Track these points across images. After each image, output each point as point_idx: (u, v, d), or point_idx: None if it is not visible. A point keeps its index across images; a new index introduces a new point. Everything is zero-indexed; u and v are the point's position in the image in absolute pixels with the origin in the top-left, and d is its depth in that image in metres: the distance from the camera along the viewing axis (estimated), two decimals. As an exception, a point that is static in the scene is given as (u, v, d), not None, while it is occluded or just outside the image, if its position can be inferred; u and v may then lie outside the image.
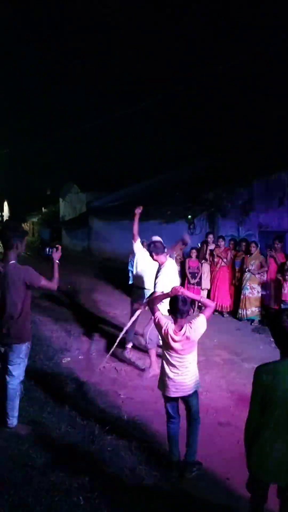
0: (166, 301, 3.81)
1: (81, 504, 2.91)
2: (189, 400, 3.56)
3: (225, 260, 9.00)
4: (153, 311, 3.78)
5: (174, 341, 3.47)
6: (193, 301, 9.38)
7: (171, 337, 3.48)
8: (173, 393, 3.52)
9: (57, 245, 4.09)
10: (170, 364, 3.54)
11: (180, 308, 3.47)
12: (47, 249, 4.06)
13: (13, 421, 3.83)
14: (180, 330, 3.47)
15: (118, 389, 5.12)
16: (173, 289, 3.77)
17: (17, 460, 3.39)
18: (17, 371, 3.81)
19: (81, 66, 55.95)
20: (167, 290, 4.09)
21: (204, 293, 9.10)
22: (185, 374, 3.50)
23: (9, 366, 3.80)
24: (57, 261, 4.01)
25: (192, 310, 9.24)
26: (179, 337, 3.46)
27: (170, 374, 3.52)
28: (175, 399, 3.59)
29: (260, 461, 2.43)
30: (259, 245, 8.74)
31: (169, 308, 3.60)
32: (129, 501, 3.04)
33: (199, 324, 3.49)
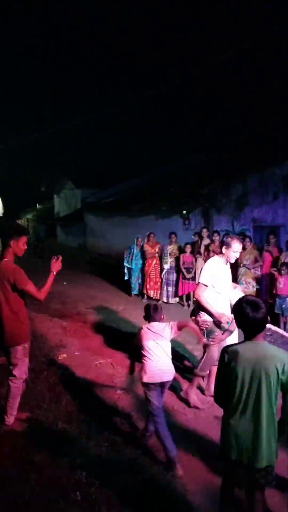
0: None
1: (78, 500, 2.92)
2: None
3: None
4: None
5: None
6: (188, 297, 9.41)
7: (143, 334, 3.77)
8: (147, 379, 3.66)
9: (58, 255, 3.93)
10: (146, 353, 3.71)
11: (152, 314, 3.81)
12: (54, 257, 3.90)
13: (11, 419, 3.85)
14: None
15: (115, 385, 5.13)
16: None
17: (13, 457, 3.39)
18: (18, 371, 3.83)
19: (74, 61, 55.63)
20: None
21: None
22: (160, 359, 3.70)
23: (10, 367, 3.83)
24: (55, 273, 3.86)
25: (188, 305, 9.28)
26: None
27: (146, 360, 3.70)
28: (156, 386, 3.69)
29: (225, 437, 2.57)
30: (253, 240, 8.77)
31: (144, 314, 3.88)
32: (127, 496, 3.05)
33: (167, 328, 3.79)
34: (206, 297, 4.49)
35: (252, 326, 2.51)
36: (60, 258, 3.90)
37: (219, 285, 4.51)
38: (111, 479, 3.20)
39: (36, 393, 4.55)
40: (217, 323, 4.45)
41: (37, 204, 35.22)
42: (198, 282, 4.68)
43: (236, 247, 4.49)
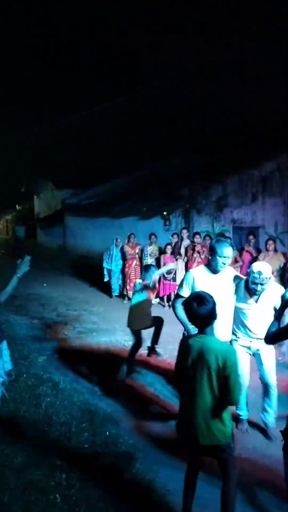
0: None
1: (57, 502, 2.90)
2: None
3: (203, 256, 9.10)
4: None
5: None
6: (169, 298, 9.44)
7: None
8: None
9: (27, 255, 3.68)
10: None
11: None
12: (19, 260, 3.66)
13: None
14: None
15: (94, 387, 5.12)
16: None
17: (-8, 461, 3.35)
18: None
19: (55, 59, 55.05)
20: None
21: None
22: None
23: None
24: (19, 276, 3.56)
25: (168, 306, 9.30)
26: None
27: None
28: None
29: (179, 417, 2.84)
30: (232, 240, 8.88)
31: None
32: (107, 498, 3.05)
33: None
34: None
35: (199, 320, 2.67)
36: (26, 259, 3.63)
37: None
38: (91, 480, 3.19)
39: (15, 396, 4.50)
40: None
41: (17, 205, 34.80)
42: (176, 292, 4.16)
43: (222, 251, 3.72)
